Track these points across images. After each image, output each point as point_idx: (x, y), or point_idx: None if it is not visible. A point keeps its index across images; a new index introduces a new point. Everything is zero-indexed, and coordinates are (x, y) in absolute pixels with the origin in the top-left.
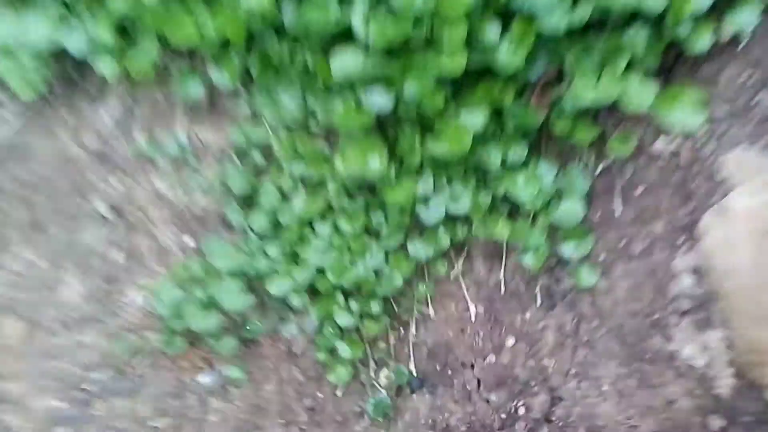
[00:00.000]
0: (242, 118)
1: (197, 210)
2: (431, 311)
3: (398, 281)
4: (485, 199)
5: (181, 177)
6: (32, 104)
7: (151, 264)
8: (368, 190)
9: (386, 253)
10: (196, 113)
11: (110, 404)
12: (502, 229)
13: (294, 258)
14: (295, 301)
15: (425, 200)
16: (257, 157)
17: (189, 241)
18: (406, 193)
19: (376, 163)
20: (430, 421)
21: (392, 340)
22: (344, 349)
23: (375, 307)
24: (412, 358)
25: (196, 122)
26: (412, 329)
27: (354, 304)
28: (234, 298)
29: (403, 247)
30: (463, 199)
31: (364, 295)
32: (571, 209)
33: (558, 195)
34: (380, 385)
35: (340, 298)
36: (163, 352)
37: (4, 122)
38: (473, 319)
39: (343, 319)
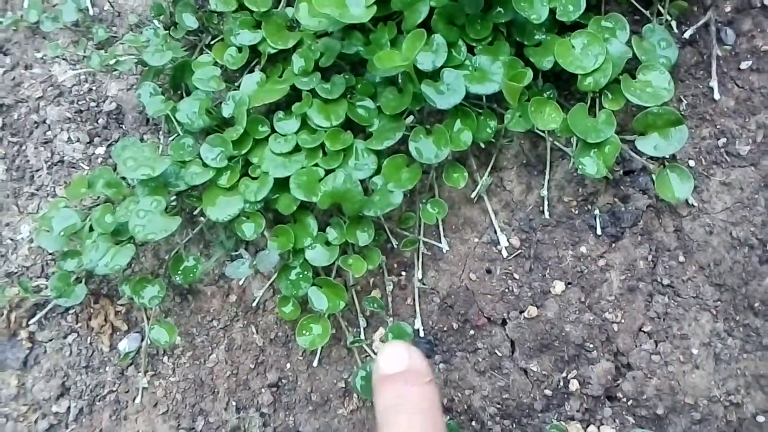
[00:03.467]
0: None
1: (107, 104)
2: (444, 245)
3: (396, 198)
4: (524, 73)
5: (83, 53)
6: None
7: (45, 183)
8: (350, 64)
9: (378, 156)
10: None
11: None
12: (548, 119)
13: (244, 166)
14: (247, 229)
15: (435, 74)
16: (188, 20)
17: (97, 149)
18: (405, 58)
19: (359, 5)
20: (444, 400)
21: (389, 287)
22: (320, 299)
23: (363, 236)
24: (417, 313)
25: None
26: (417, 271)
27: (332, 233)
28: (155, 222)
29: (402, 147)
30: (491, 72)
31: (347, 219)
32: (652, 88)
33: (631, 68)
34: (373, 352)
35: (312, 223)
36: (61, 306)
37: None
38: (504, 254)
39: (317, 255)
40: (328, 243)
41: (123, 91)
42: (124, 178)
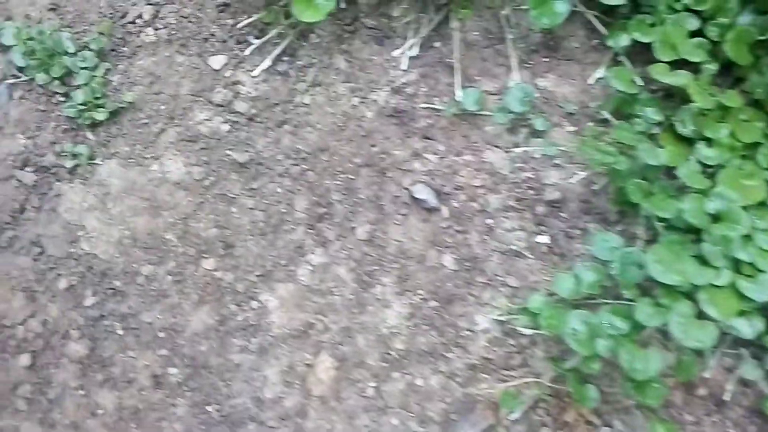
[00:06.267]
0: (606, 61)
1: (548, 193)
2: None
3: None
4: None
5: (521, 144)
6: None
7: (496, 273)
8: None
9: None
10: (535, 57)
11: None
12: None
13: None
14: None
15: None
16: (648, 112)
17: (540, 238)
18: None
19: None
20: None
21: None
22: None
23: None
24: None
25: (536, 70)
26: None
27: None
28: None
29: None
30: None
31: None
32: None
33: None
34: None
35: None
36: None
37: (272, 77)
38: None
39: None
40: None
41: (564, 180)
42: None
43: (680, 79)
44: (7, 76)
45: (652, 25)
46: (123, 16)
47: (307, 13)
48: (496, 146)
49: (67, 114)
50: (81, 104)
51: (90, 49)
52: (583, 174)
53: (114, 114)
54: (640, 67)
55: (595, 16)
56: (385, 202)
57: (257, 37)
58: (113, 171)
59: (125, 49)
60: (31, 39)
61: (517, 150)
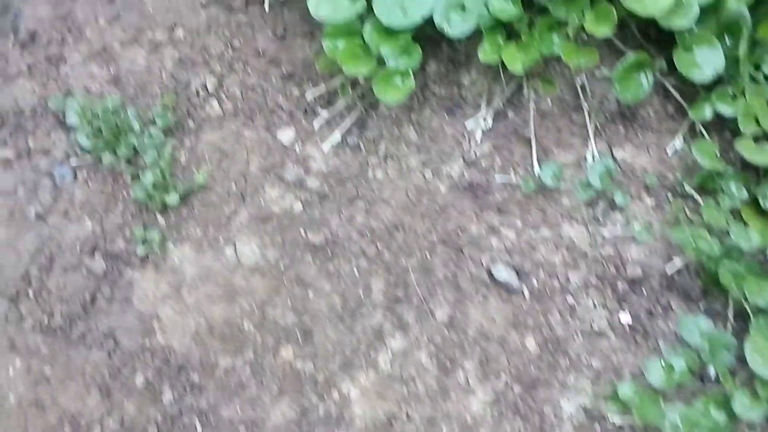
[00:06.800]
0: (683, 130)
1: (629, 270)
2: None
3: None
4: None
5: (600, 218)
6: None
7: (579, 354)
8: None
9: None
10: (611, 126)
11: None
12: None
13: None
14: None
15: None
16: (733, 187)
17: (621, 317)
18: None
19: None
20: None
21: None
22: None
23: None
24: None
25: (612, 140)
26: None
27: None
28: None
29: None
30: None
31: None
32: None
33: None
34: None
35: None
36: None
37: (339, 152)
38: None
39: None
40: None
41: (645, 256)
42: None
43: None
44: (71, 156)
45: (734, 96)
46: (186, 87)
47: (388, 95)
48: (574, 220)
49: (136, 197)
50: (150, 187)
51: (156, 125)
52: (664, 249)
53: (185, 196)
54: (718, 136)
55: (674, 85)
56: (463, 281)
57: (324, 108)
58: (186, 256)
59: (191, 122)
60: (95, 117)
61: (596, 224)
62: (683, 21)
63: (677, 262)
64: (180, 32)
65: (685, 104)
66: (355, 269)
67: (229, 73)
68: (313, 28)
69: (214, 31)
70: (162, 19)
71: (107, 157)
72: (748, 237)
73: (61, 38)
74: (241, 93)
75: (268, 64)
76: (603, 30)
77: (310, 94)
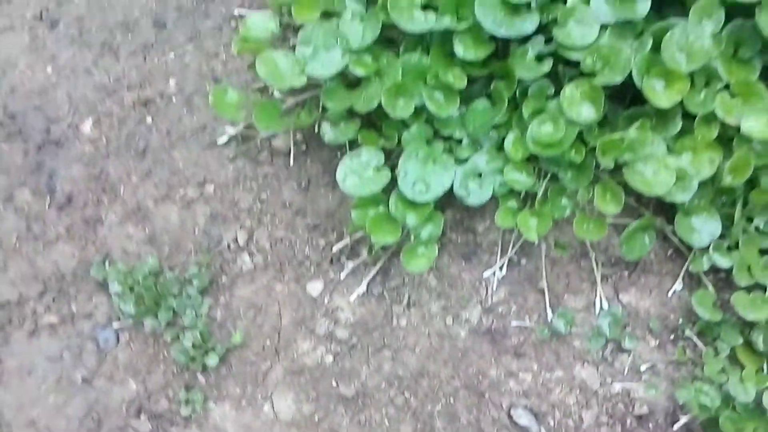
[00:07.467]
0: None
1: (637, 408)
2: None
3: None
4: None
5: (609, 359)
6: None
7: None
8: None
9: None
10: (616, 270)
11: None
12: None
13: None
14: None
15: None
16: (730, 335)
17: None
18: None
19: None
20: None
21: None
22: None
23: None
24: None
25: (618, 284)
26: None
27: None
28: None
29: None
30: None
31: None
32: None
33: None
34: None
35: None
36: None
37: (364, 301)
38: None
39: None
40: None
41: (651, 394)
42: None
43: (762, 314)
44: (113, 320)
45: (729, 249)
46: (218, 242)
47: (413, 265)
48: (585, 361)
49: (177, 359)
50: (190, 348)
51: (192, 285)
52: (668, 388)
53: (223, 356)
54: (714, 276)
55: (672, 231)
56: (485, 425)
57: (350, 258)
58: (227, 415)
59: (224, 277)
60: (136, 284)
61: (606, 365)
62: (684, 196)
63: (683, 419)
64: (210, 187)
65: (683, 249)
66: (384, 419)
67: (258, 226)
68: (335, 180)
69: (242, 185)
70: (191, 173)
71: (149, 322)
72: (746, 390)
73: (96, 199)
74: (270, 245)
75: (294, 215)
76: (612, 209)
77: (336, 247)
